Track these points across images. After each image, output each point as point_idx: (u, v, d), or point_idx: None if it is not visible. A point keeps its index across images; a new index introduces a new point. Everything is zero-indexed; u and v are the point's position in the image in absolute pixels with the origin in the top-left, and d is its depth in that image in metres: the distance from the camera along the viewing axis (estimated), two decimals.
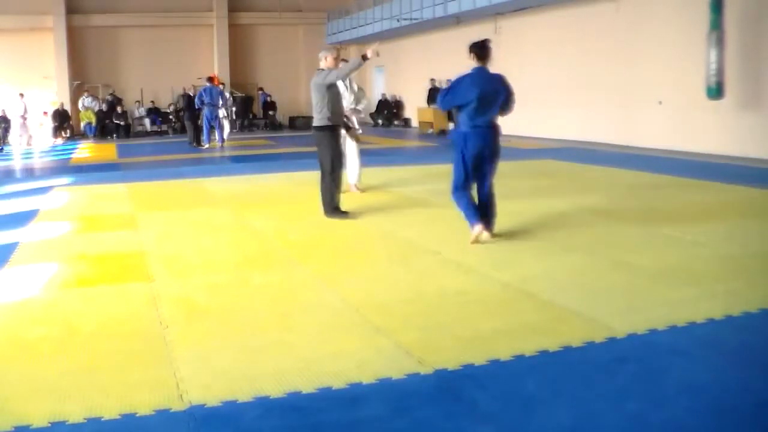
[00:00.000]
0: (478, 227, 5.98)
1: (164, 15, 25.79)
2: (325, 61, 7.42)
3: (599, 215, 7.19)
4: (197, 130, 18.21)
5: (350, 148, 8.72)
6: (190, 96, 18.19)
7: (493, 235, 6.15)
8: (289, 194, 9.43)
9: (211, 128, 17.97)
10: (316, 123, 7.37)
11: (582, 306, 4.27)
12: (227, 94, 20.13)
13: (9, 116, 22.15)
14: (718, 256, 5.45)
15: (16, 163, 16.58)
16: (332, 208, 7.30)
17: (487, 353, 3.55)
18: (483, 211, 6.16)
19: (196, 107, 17.88)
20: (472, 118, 5.95)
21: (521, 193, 8.69)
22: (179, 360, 3.56)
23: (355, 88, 9.03)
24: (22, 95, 22.20)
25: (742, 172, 10.29)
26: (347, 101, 8.61)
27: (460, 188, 6.12)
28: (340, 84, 8.03)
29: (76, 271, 5.53)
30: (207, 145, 17.75)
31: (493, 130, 6.06)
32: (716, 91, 11.80)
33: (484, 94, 5.90)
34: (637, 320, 3.98)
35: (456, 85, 6.00)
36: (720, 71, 11.70)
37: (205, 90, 17.74)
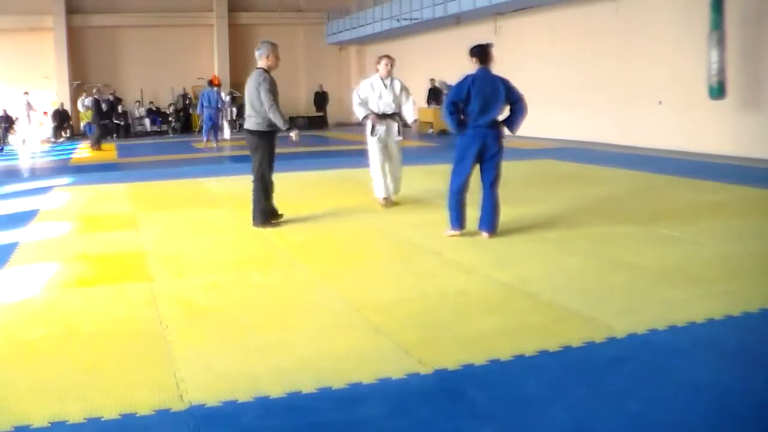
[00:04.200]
0: (454, 232, 6.22)
1: (164, 15, 25.79)
2: (266, 60, 6.85)
3: (599, 215, 7.19)
4: (102, 135, 19.12)
5: (392, 153, 7.99)
6: (97, 100, 19.13)
7: (492, 236, 6.16)
8: (288, 194, 9.41)
9: (211, 129, 18.74)
10: (252, 127, 6.86)
11: (582, 306, 4.27)
12: (224, 95, 20.47)
13: (11, 115, 22.19)
14: (718, 256, 5.45)
15: (16, 163, 16.58)
16: (263, 217, 6.93)
17: (487, 353, 3.55)
18: (486, 212, 6.20)
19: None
20: (474, 119, 6.04)
21: (521, 193, 8.69)
22: (179, 360, 3.56)
23: (397, 88, 7.87)
24: (26, 93, 22.25)
25: (742, 172, 10.29)
26: (384, 102, 7.80)
27: (455, 190, 6.20)
28: (378, 83, 7.74)
29: (76, 271, 5.53)
30: (215, 144, 18.57)
31: (494, 131, 6.09)
32: (718, 91, 11.80)
33: (484, 95, 5.98)
34: (637, 320, 3.98)
35: (459, 85, 6.09)
36: (721, 71, 11.70)
37: (203, 94, 18.69)
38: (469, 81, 6.03)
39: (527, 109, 6.19)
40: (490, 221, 6.19)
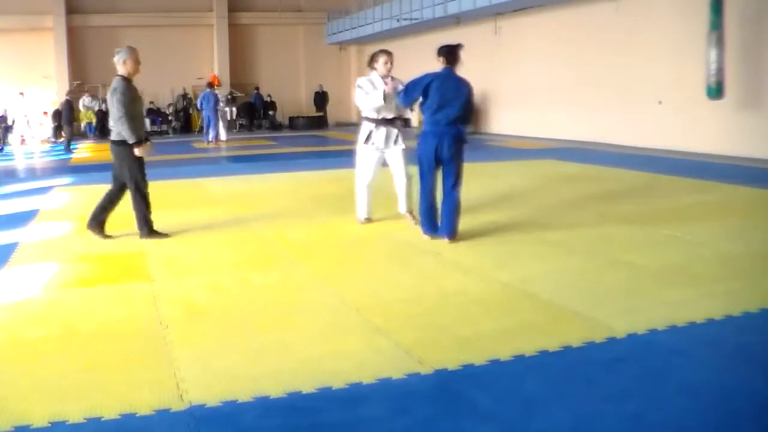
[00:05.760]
0: (426, 237, 6.14)
1: (164, 15, 25.80)
2: (124, 66, 6.38)
3: (599, 215, 7.19)
4: (72, 136, 19.35)
5: (396, 165, 6.87)
6: (69, 101, 19.44)
7: (453, 241, 6.03)
8: (289, 194, 9.42)
9: (208, 129, 19.54)
10: (114, 137, 6.45)
11: (582, 306, 4.27)
12: (221, 96, 20.76)
13: (10, 116, 22.21)
14: (718, 256, 5.45)
15: (16, 163, 16.58)
16: (149, 229, 6.61)
17: (487, 353, 3.55)
18: (445, 216, 6.07)
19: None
20: (432, 116, 5.97)
21: (521, 193, 8.70)
22: (179, 360, 3.56)
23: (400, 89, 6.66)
24: (22, 94, 22.29)
25: (742, 172, 10.29)
26: (385, 106, 6.69)
27: (423, 191, 6.11)
28: (379, 82, 6.63)
29: (76, 271, 5.53)
30: (209, 144, 19.17)
31: (452, 131, 5.97)
32: (716, 91, 11.81)
33: (444, 94, 5.91)
34: (637, 320, 3.98)
35: (418, 80, 6.05)
36: (720, 71, 11.71)
37: (204, 96, 19.39)
38: (429, 78, 5.97)
39: (470, 121, 6.31)
40: (449, 226, 6.05)
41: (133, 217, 6.60)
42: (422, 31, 22.26)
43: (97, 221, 6.65)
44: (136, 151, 6.40)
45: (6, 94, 23.45)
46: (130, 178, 6.52)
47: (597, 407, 2.96)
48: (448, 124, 5.96)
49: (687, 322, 3.94)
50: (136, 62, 6.46)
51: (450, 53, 6.06)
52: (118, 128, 6.37)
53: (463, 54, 6.16)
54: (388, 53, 6.77)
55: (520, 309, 4.30)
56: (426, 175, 6.10)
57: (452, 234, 6.07)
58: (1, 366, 3.58)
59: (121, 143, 6.43)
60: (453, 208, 6.07)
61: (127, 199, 6.67)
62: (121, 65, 6.41)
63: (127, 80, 6.43)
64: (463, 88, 6.01)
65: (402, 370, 3.37)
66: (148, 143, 6.66)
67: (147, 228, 6.61)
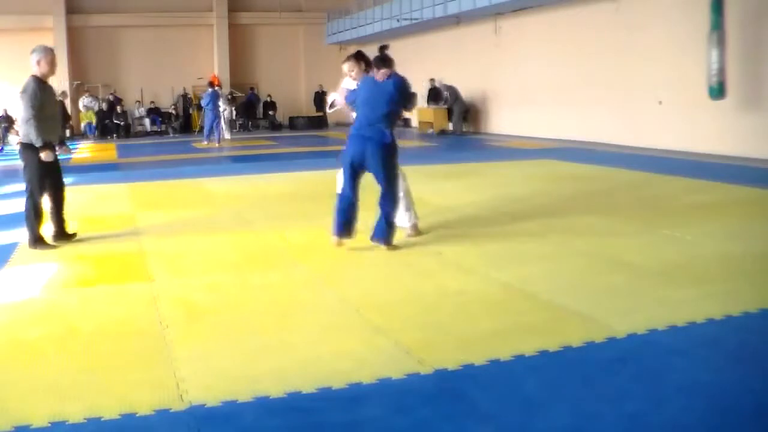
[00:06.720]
0: (335, 239, 5.89)
1: (164, 15, 25.79)
2: (38, 66, 6.16)
3: (599, 215, 7.19)
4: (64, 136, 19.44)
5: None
6: (61, 102, 19.43)
7: (392, 247, 5.87)
8: (289, 194, 9.43)
9: (211, 129, 19.54)
10: (21, 138, 6.20)
11: (582, 306, 4.27)
12: (222, 96, 20.86)
13: (11, 115, 22.23)
14: (718, 256, 5.44)
15: (17, 163, 16.57)
16: (35, 238, 6.27)
17: (487, 353, 3.55)
18: (376, 224, 5.92)
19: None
20: (356, 119, 5.85)
21: (521, 193, 8.70)
22: (179, 360, 3.56)
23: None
24: None
25: (742, 172, 10.29)
26: None
27: (340, 196, 5.91)
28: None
29: (76, 271, 5.54)
30: (210, 144, 19.26)
31: (375, 137, 5.71)
32: (718, 91, 11.80)
33: (366, 99, 5.75)
34: (637, 320, 3.98)
35: (355, 89, 5.95)
36: (721, 71, 11.71)
37: (205, 95, 19.54)
38: (360, 85, 5.85)
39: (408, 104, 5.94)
40: (377, 232, 5.90)
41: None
42: (422, 31, 22.27)
43: (35, 238, 6.28)
44: (42, 156, 6.09)
45: (6, 94, 23.45)
46: (27, 183, 6.30)
47: (597, 407, 2.96)
48: (370, 125, 5.71)
49: (687, 322, 3.94)
50: (50, 64, 6.21)
51: (382, 61, 5.76)
52: (24, 130, 6.10)
53: (391, 52, 5.90)
54: (352, 57, 6.22)
55: (520, 309, 4.30)
56: (346, 179, 5.88)
57: (381, 241, 5.87)
58: (1, 366, 3.59)
59: (28, 146, 6.15)
60: (382, 217, 5.88)
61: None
62: (35, 65, 6.16)
63: (39, 81, 6.16)
64: (387, 92, 5.69)
65: (402, 370, 3.37)
66: (65, 147, 6.50)
67: (33, 237, 6.28)
